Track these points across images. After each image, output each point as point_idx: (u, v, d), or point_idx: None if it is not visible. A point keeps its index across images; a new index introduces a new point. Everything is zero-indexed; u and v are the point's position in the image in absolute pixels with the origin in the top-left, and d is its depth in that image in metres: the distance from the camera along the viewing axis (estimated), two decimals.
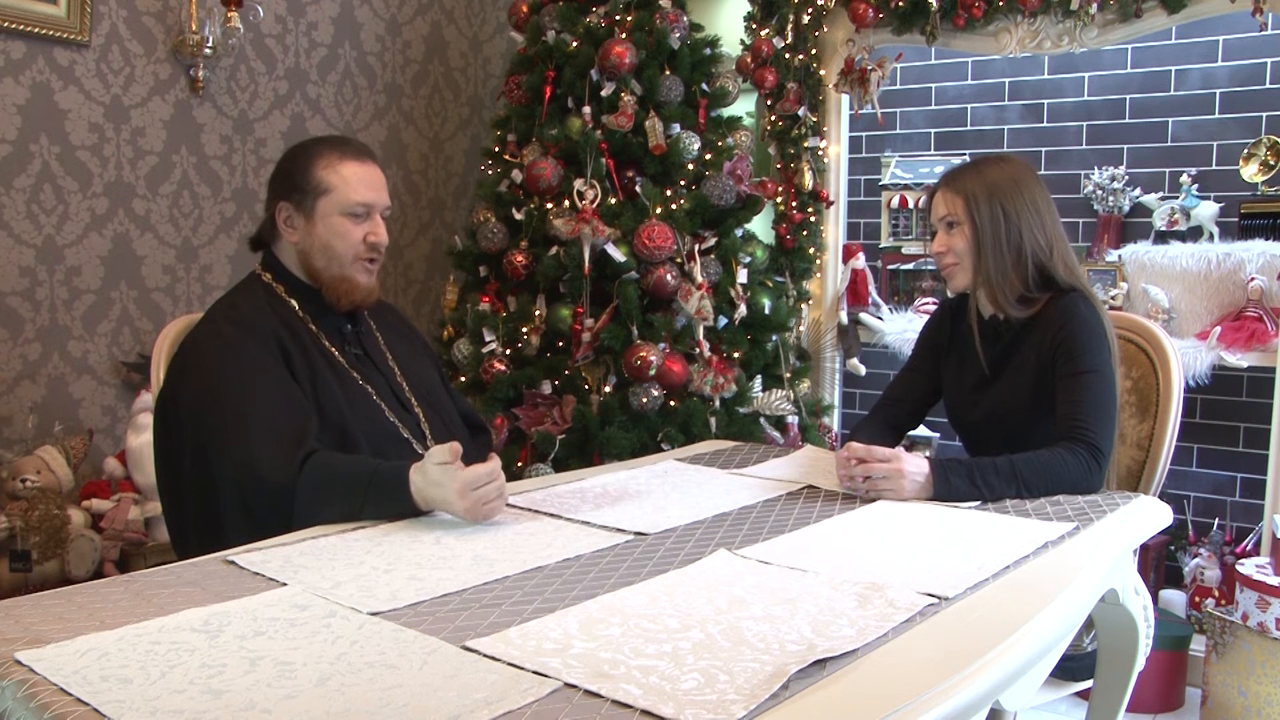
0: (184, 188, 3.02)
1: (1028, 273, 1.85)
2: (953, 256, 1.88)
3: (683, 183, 3.02)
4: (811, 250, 3.48)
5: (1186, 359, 2.78)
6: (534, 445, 2.82)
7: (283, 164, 1.78)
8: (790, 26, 3.45)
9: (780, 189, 3.44)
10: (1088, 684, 1.88)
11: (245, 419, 1.56)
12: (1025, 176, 1.86)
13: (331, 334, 1.79)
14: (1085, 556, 1.36)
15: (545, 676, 0.92)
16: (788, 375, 3.12)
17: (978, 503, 1.63)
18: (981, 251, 1.84)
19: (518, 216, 3.06)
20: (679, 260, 2.94)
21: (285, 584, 1.18)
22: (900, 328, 3.44)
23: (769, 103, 3.49)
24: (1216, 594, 2.96)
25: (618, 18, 3.06)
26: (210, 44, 2.95)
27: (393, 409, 1.79)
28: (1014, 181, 1.84)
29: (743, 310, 3.00)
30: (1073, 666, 1.85)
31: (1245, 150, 3.10)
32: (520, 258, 3.00)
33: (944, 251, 1.89)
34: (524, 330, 2.96)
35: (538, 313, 2.98)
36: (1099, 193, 3.31)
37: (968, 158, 3.50)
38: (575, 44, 3.06)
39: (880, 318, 3.54)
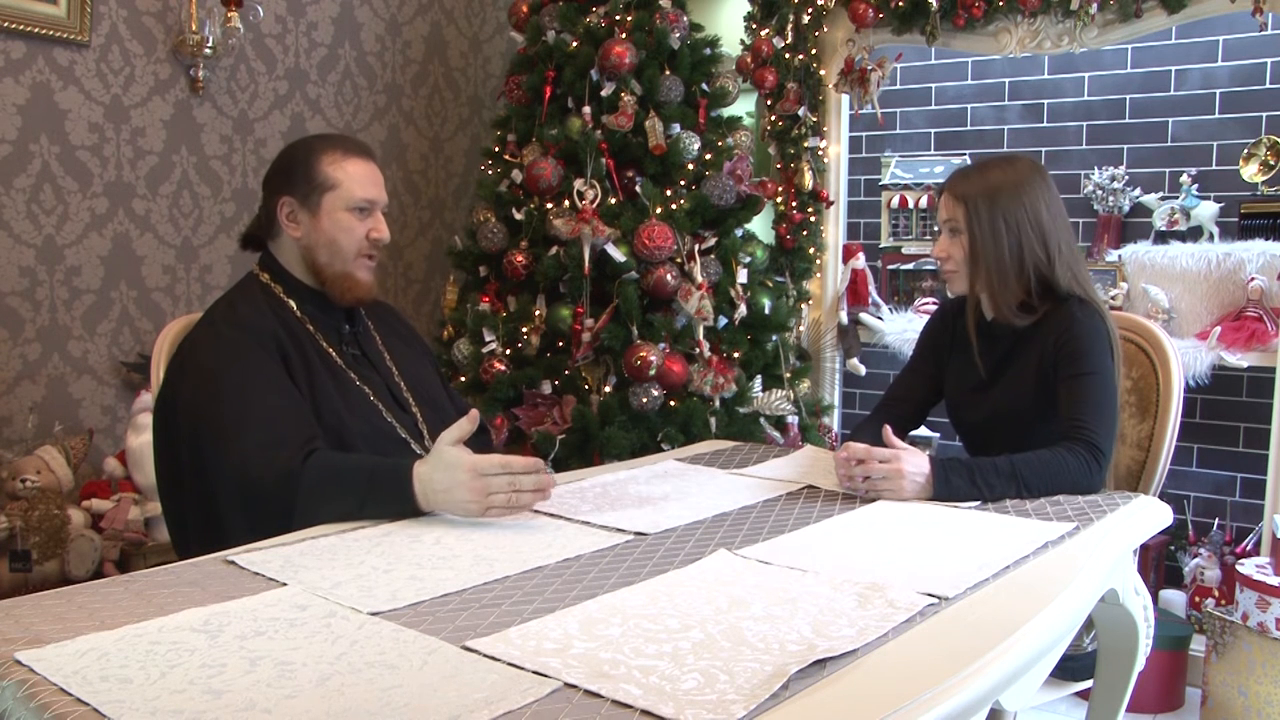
0: (184, 188, 3.02)
1: (1029, 282, 1.84)
2: (953, 264, 1.88)
3: (683, 183, 3.02)
4: (811, 250, 3.48)
5: (1186, 359, 2.78)
6: (534, 445, 2.82)
7: (283, 159, 1.78)
8: (790, 26, 3.45)
9: (780, 189, 3.44)
10: (1088, 684, 1.88)
11: (243, 420, 1.56)
12: (1030, 181, 1.84)
13: (329, 334, 1.79)
14: (1085, 556, 1.36)
15: (545, 676, 0.92)
16: (788, 375, 3.12)
17: (978, 503, 1.63)
18: (979, 261, 1.84)
19: (518, 216, 3.06)
20: (679, 260, 2.94)
21: (285, 584, 1.18)
22: (900, 328, 3.44)
23: (769, 103, 3.49)
24: (1216, 594, 2.96)
25: (618, 18, 3.06)
26: (210, 44, 2.95)
27: (390, 409, 1.79)
28: (1016, 188, 1.82)
29: (743, 310, 3.00)
30: (1073, 666, 1.85)
31: (1245, 150, 3.09)
32: (520, 258, 3.00)
33: (945, 257, 1.89)
34: (524, 330, 2.96)
35: (538, 313, 2.98)
36: (1099, 193, 3.31)
37: (967, 158, 3.52)
38: (575, 44, 3.06)
39: (880, 318, 3.54)
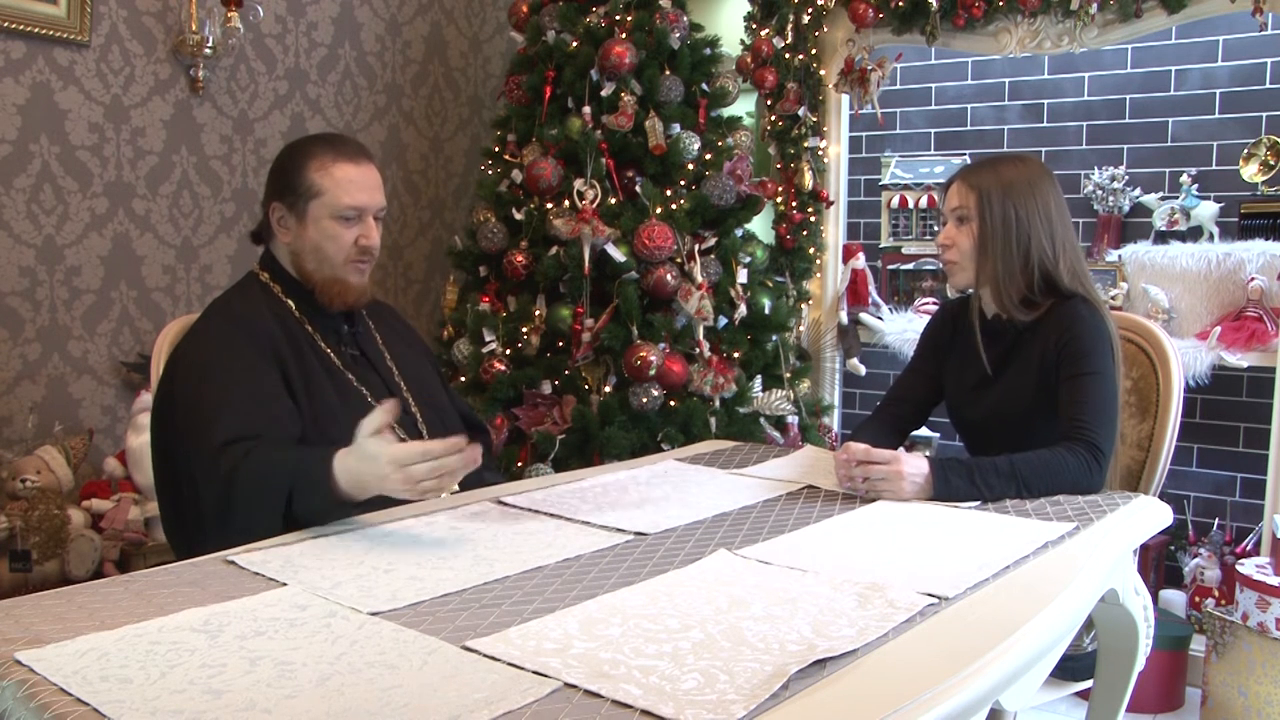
0: (184, 188, 3.02)
1: (1033, 277, 1.85)
2: (955, 253, 1.88)
3: (683, 183, 3.02)
4: (811, 250, 3.48)
5: (1186, 359, 2.78)
6: (534, 445, 2.82)
7: (277, 163, 1.78)
8: (790, 26, 3.45)
9: (780, 189, 3.44)
10: (1088, 684, 1.88)
11: (219, 412, 1.54)
12: (1041, 180, 1.86)
13: (328, 334, 1.78)
14: (1085, 556, 1.36)
15: (545, 676, 0.92)
16: (788, 375, 3.12)
17: (978, 503, 1.63)
18: (986, 251, 1.84)
19: (518, 216, 3.06)
20: (679, 260, 2.94)
21: (285, 584, 1.18)
22: (900, 328, 3.44)
23: (769, 103, 3.49)
24: (1216, 594, 2.96)
25: (618, 18, 3.06)
26: (210, 44, 2.95)
27: None
28: (1029, 184, 1.84)
29: (743, 310, 3.00)
30: (1073, 666, 1.85)
31: (1245, 150, 3.09)
32: (520, 258, 3.00)
33: (949, 245, 1.89)
34: (524, 330, 2.95)
35: (538, 313, 2.98)
36: (1099, 193, 3.31)
37: (967, 158, 3.52)
38: (575, 44, 3.06)
39: (880, 318, 3.54)
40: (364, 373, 1.80)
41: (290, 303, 1.77)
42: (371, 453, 1.38)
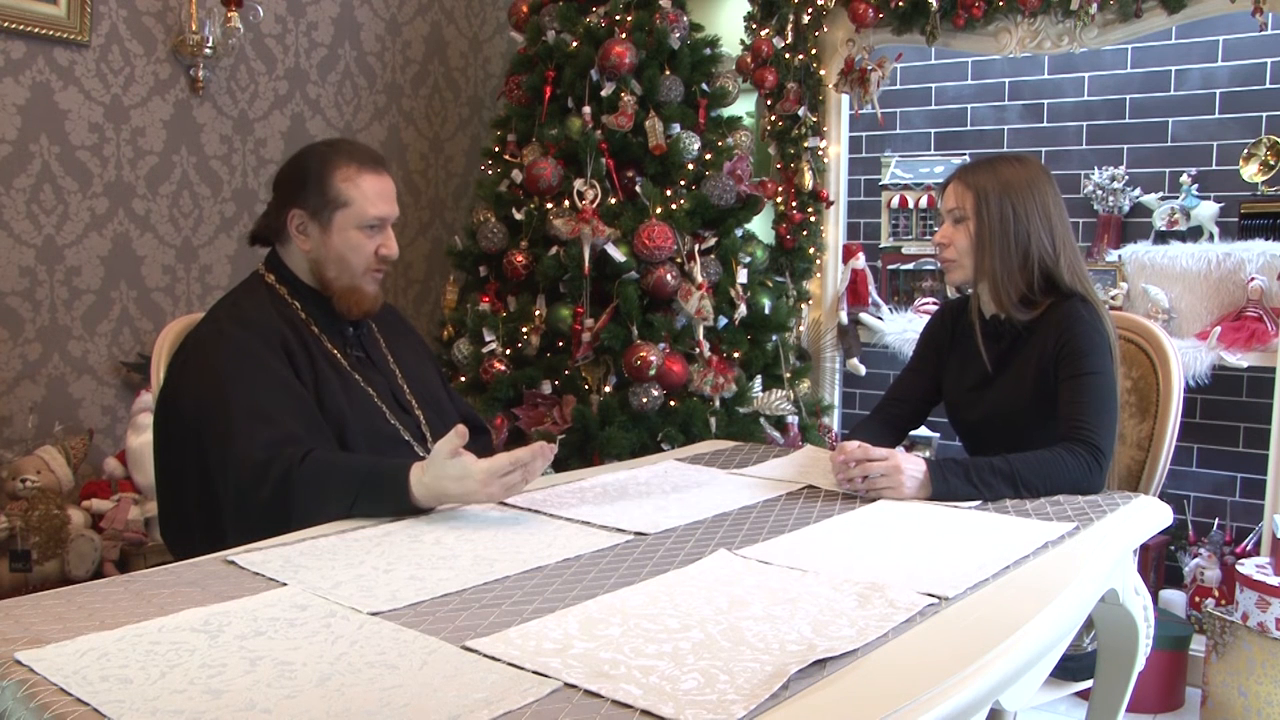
0: (184, 188, 3.02)
1: (1033, 275, 1.85)
2: (953, 251, 1.89)
3: (683, 183, 3.02)
4: (811, 250, 3.48)
5: (1186, 359, 2.78)
6: None
7: (296, 167, 1.75)
8: (790, 26, 3.45)
9: (780, 189, 3.44)
10: (1088, 684, 1.88)
11: (249, 419, 1.56)
12: (1039, 179, 1.86)
13: (334, 336, 1.79)
14: (1085, 556, 1.36)
15: (545, 676, 0.92)
16: (788, 375, 3.12)
17: (978, 502, 1.63)
18: (983, 250, 1.84)
19: (518, 216, 3.06)
20: (679, 260, 2.94)
21: (285, 584, 1.18)
22: (900, 328, 3.44)
23: (769, 103, 3.49)
24: (1216, 594, 2.96)
25: (618, 18, 3.06)
26: (210, 44, 2.95)
27: (393, 411, 1.79)
28: (1027, 183, 1.84)
29: (743, 310, 3.00)
30: (1073, 666, 1.85)
31: (1245, 150, 3.09)
32: (520, 258, 3.01)
33: (945, 244, 1.90)
34: (524, 330, 2.96)
35: (538, 313, 2.98)
36: (1099, 193, 3.31)
37: (968, 158, 3.52)
38: (575, 44, 3.06)
39: (880, 318, 3.54)
40: (369, 374, 1.80)
41: (296, 304, 1.77)
42: (459, 473, 1.47)
